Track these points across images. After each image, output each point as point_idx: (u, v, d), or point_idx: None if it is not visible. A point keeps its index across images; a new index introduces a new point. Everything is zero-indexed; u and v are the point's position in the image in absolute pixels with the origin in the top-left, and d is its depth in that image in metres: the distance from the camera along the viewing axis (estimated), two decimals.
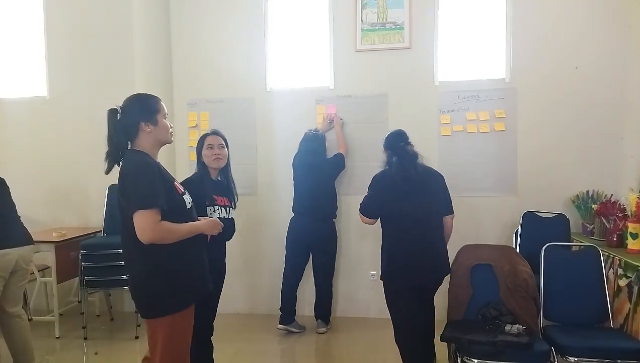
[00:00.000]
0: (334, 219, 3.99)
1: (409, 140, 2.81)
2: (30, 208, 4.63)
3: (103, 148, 2.02)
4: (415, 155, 2.74)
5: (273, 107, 4.34)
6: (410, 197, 2.66)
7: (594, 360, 2.54)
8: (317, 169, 3.88)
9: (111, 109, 2.02)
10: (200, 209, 2.38)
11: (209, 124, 4.29)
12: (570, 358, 2.56)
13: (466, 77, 4.09)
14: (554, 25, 3.95)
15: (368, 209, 2.79)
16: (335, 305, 4.27)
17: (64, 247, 3.98)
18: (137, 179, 1.90)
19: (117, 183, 1.97)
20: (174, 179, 2.12)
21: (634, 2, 3.75)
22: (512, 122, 4.01)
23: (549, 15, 3.96)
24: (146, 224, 1.84)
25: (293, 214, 3.96)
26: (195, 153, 2.85)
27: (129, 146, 2.04)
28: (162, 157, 2.20)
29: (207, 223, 2.18)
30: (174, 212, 1.97)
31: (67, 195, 4.62)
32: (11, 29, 4.73)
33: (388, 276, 2.75)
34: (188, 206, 2.11)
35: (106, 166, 2.02)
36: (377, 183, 2.80)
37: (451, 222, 2.87)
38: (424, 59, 4.11)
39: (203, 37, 4.42)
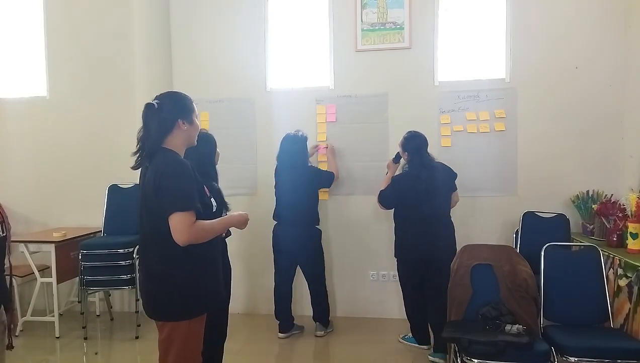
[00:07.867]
0: (317, 226, 3.86)
1: (427, 150, 3.43)
2: (30, 208, 4.67)
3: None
4: (431, 161, 3.38)
5: (273, 107, 4.33)
6: (420, 196, 3.25)
7: (594, 360, 2.54)
8: (299, 172, 3.74)
9: (149, 104, 1.96)
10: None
11: (209, 124, 4.28)
12: (570, 358, 2.56)
13: (466, 77, 4.08)
14: (554, 25, 3.95)
15: (385, 201, 3.49)
16: (335, 305, 4.27)
17: (64, 247, 3.98)
18: (176, 181, 1.86)
19: (141, 181, 1.95)
20: (202, 182, 2.11)
21: (633, 2, 3.75)
22: (512, 122, 4.01)
23: (548, 15, 3.95)
24: (183, 227, 1.83)
25: (275, 222, 3.86)
26: None
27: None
28: None
29: (237, 217, 2.17)
30: (203, 215, 1.95)
31: (67, 195, 4.62)
32: (11, 29, 4.73)
33: (400, 253, 3.45)
34: (214, 209, 2.12)
35: (135, 162, 1.99)
36: (396, 182, 3.42)
37: (457, 195, 3.55)
38: (424, 59, 4.11)
39: (203, 37, 4.42)
